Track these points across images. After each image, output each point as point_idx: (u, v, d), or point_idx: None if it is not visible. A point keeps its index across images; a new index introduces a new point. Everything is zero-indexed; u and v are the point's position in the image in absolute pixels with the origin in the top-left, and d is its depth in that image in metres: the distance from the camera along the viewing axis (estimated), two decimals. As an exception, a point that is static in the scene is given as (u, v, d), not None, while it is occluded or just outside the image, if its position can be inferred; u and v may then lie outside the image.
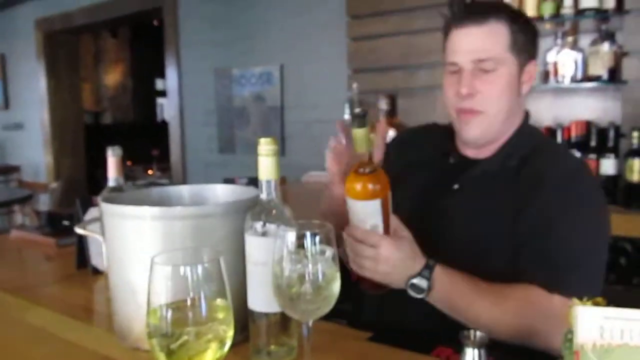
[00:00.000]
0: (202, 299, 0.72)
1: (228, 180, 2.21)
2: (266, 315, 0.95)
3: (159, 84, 8.72)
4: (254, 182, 2.28)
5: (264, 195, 0.94)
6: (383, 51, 3.08)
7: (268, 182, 0.94)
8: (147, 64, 8.16)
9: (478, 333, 0.85)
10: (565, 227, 1.11)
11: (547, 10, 2.63)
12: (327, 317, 1.21)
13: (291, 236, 0.82)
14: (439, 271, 1.06)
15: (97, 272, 1.48)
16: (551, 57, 2.75)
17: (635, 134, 2.36)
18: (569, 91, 2.75)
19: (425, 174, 1.33)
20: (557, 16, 2.63)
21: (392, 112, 3.02)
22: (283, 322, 0.96)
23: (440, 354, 0.99)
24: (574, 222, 1.11)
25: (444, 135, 1.36)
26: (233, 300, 1.01)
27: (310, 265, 0.82)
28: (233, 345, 1.01)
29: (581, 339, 0.60)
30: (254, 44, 4.06)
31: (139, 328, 1.00)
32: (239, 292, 1.01)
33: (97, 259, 1.47)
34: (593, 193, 1.17)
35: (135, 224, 0.98)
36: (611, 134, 2.48)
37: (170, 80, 4.67)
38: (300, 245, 0.82)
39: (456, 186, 1.26)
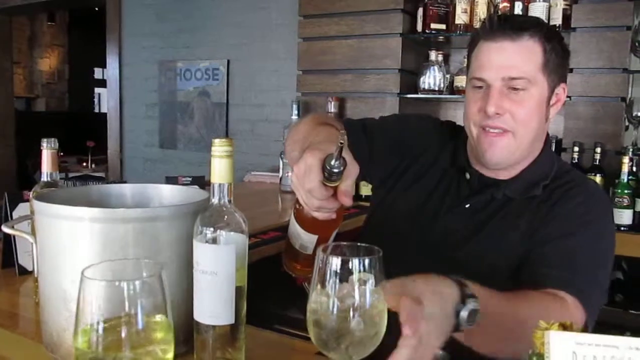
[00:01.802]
0: (139, 316, 0.65)
1: (170, 179, 2.11)
2: (213, 327, 0.89)
3: (98, 73, 8.41)
4: (197, 181, 2.19)
5: (215, 200, 0.88)
6: (334, 53, 3.04)
7: (221, 185, 0.88)
8: (85, 51, 7.84)
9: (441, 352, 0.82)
10: (583, 240, 1.10)
11: (497, 22, 2.67)
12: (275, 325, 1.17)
13: (336, 262, 0.69)
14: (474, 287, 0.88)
15: (24, 272, 1.37)
16: (498, 68, 2.79)
17: (575, 148, 2.43)
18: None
19: (436, 182, 1.26)
20: (506, 29, 2.68)
21: (340, 116, 2.99)
22: (230, 335, 0.90)
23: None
24: (591, 238, 1.11)
25: (461, 146, 1.27)
26: (177, 310, 0.94)
27: (358, 298, 0.69)
28: (176, 357, 0.96)
29: (554, 366, 0.58)
30: (201, 37, 3.95)
31: (71, 340, 0.91)
32: (184, 302, 0.94)
33: (25, 258, 1.36)
34: (609, 215, 1.17)
35: (72, 226, 0.89)
36: (553, 147, 2.54)
37: (110, 70, 4.48)
38: (345, 271, 0.69)
39: (468, 205, 1.20)
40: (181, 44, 4.05)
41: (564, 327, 0.63)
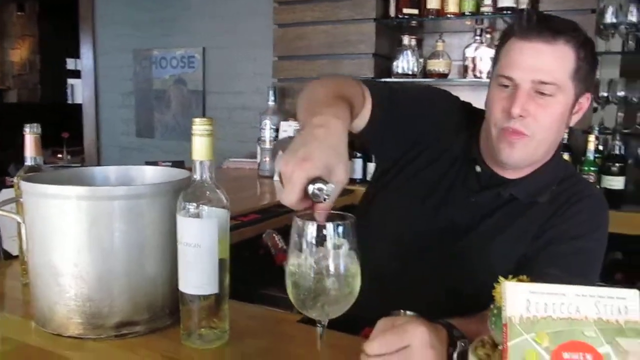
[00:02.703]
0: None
1: (150, 164, 2.14)
2: (198, 297, 0.94)
3: (70, 64, 8.30)
4: (177, 166, 2.23)
5: (197, 176, 0.93)
6: (309, 39, 3.08)
7: (202, 162, 0.93)
8: (57, 41, 7.73)
9: (408, 312, 0.88)
10: (591, 244, 1.13)
11: (468, 7, 2.73)
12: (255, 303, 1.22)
13: (312, 228, 0.74)
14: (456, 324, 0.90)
15: (9, 257, 1.40)
16: (470, 52, 2.86)
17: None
18: (486, 86, 2.87)
19: (445, 170, 1.23)
20: (477, 13, 2.74)
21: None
22: (215, 305, 0.95)
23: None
24: (596, 242, 1.14)
25: (475, 136, 1.24)
26: (163, 283, 1.00)
27: (333, 259, 0.74)
28: (163, 329, 1.01)
29: (509, 312, 0.64)
30: (176, 25, 3.94)
31: (62, 312, 0.96)
32: (169, 275, 0.99)
33: (9, 243, 1.39)
34: (607, 219, 1.19)
35: (60, 204, 0.93)
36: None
37: (85, 59, 4.45)
38: (320, 237, 0.74)
39: (474, 199, 1.19)
40: (156, 32, 4.04)
41: (520, 280, 0.70)
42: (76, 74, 5.13)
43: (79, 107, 4.64)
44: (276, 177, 2.76)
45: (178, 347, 0.95)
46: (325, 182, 0.78)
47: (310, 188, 0.77)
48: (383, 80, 1.16)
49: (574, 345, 0.63)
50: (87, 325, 0.95)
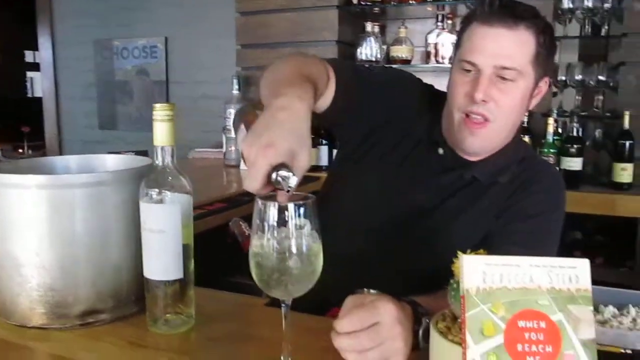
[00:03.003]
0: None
1: (113, 154, 2.10)
2: (163, 283, 0.94)
3: (29, 56, 8.09)
4: (141, 155, 2.20)
5: (159, 162, 0.92)
6: (272, 27, 3.07)
7: (163, 148, 0.92)
8: (14, 34, 7.52)
9: (372, 291, 0.90)
10: (550, 221, 1.17)
11: (429, -7, 2.76)
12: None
13: (274, 209, 0.75)
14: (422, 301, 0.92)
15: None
16: (432, 38, 2.90)
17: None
18: (448, 71, 2.91)
19: (408, 153, 1.24)
20: (438, 0, 2.77)
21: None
22: (180, 290, 0.95)
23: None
24: (555, 219, 1.18)
25: (438, 119, 1.25)
26: (128, 271, 1.00)
27: (295, 239, 0.75)
28: (129, 316, 1.00)
29: (467, 285, 0.66)
30: (136, 15, 3.88)
31: (25, 303, 0.95)
32: (134, 262, 0.99)
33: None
34: (564, 197, 1.23)
35: (19, 194, 0.91)
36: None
37: (43, 51, 4.35)
38: (281, 218, 0.75)
39: (437, 181, 1.21)
40: (116, 22, 3.97)
41: (477, 254, 0.72)
42: (35, 66, 5.00)
43: (39, 100, 4.53)
44: (242, 166, 2.76)
45: (144, 334, 0.95)
46: (288, 168, 0.78)
47: (274, 175, 0.77)
48: (347, 61, 1.15)
49: (528, 313, 0.65)
50: (51, 315, 0.94)
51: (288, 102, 0.85)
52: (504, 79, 1.10)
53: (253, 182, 0.78)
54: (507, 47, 1.09)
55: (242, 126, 0.96)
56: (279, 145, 0.78)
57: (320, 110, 1.16)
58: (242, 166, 2.76)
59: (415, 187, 1.21)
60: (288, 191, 0.77)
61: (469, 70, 1.13)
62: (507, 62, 1.09)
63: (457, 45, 1.18)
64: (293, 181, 0.77)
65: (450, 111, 1.17)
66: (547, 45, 1.12)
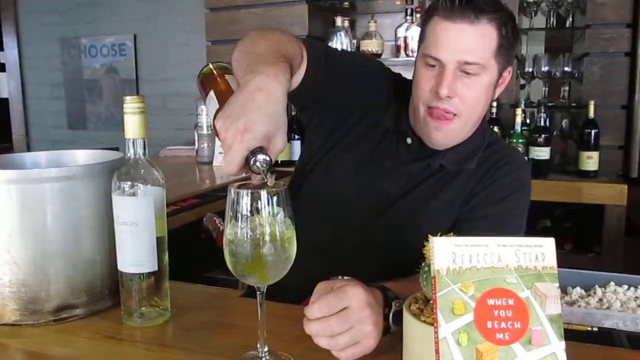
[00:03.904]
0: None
1: (83, 153, 2.08)
2: (137, 276, 0.93)
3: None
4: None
5: (130, 154, 0.92)
6: (242, 22, 3.06)
7: (135, 141, 0.92)
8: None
9: (345, 277, 0.91)
10: (516, 203, 1.19)
11: (397, -14, 2.78)
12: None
13: (247, 197, 0.76)
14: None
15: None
16: (401, 32, 2.92)
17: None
18: (417, 65, 2.94)
19: (377, 143, 1.25)
20: (406, -7, 2.80)
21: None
22: (155, 283, 0.95)
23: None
24: (522, 201, 1.21)
25: (404, 108, 1.24)
26: (101, 265, 0.99)
27: (269, 226, 0.76)
28: (104, 311, 1.00)
29: (437, 266, 0.67)
30: (103, 12, 3.83)
31: (-4, 299, 0.94)
32: (107, 256, 0.98)
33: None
34: (529, 178, 1.26)
35: (-12, 190, 0.91)
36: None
37: (8, 51, 4.26)
38: (255, 206, 0.76)
39: (406, 170, 1.22)
40: (83, 20, 3.92)
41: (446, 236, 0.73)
42: (0, 67, 4.89)
43: (5, 101, 4.44)
44: (215, 162, 2.74)
45: (120, 327, 0.95)
46: (264, 152, 0.79)
47: (251, 160, 0.78)
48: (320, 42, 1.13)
49: (497, 292, 0.67)
50: (24, 311, 0.94)
51: (265, 82, 0.85)
52: (467, 73, 1.11)
53: (230, 166, 0.79)
54: (469, 42, 1.09)
55: (212, 94, 0.95)
56: (256, 130, 0.79)
57: (290, 89, 1.16)
58: (215, 163, 2.75)
59: (385, 176, 1.23)
60: (264, 172, 0.78)
61: (432, 65, 1.13)
62: (470, 57, 1.09)
63: (421, 39, 1.18)
64: (269, 164, 0.78)
65: (416, 105, 1.17)
66: (509, 36, 1.13)
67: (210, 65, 1.07)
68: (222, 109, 0.83)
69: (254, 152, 0.78)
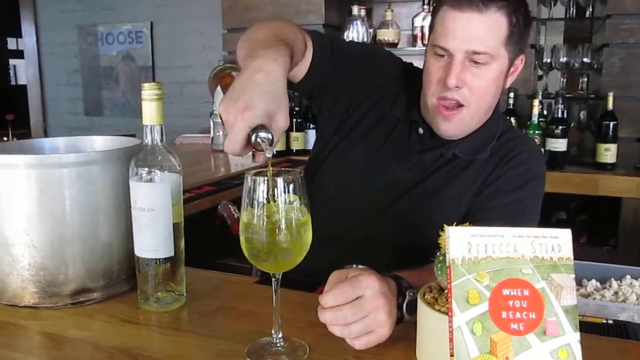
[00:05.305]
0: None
1: (100, 139, 2.10)
2: (154, 261, 0.94)
3: (12, 44, 7.96)
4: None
5: (148, 141, 0.93)
6: (258, 10, 3.05)
7: (152, 127, 0.93)
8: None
9: (360, 266, 0.92)
10: (530, 193, 1.18)
11: (415, -25, 2.76)
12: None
13: (264, 185, 0.76)
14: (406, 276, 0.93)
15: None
16: (418, 21, 2.90)
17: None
18: (434, 54, 2.92)
19: (388, 133, 1.25)
20: (423, -18, 2.78)
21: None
22: (171, 268, 0.96)
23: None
24: (536, 190, 1.20)
25: (415, 98, 1.23)
26: (118, 250, 1.00)
27: (285, 213, 0.76)
28: (121, 295, 1.02)
29: (452, 255, 0.68)
30: (120, -1, 3.85)
31: (16, 283, 0.95)
32: (124, 241, 1.00)
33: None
34: (543, 167, 1.25)
35: (8, 174, 0.91)
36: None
37: (27, 38, 4.30)
38: (270, 194, 0.76)
39: (418, 160, 1.22)
40: (100, 7, 3.93)
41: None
42: (18, 54, 4.91)
43: (23, 88, 4.49)
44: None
45: (136, 311, 0.96)
46: (266, 129, 0.80)
47: (253, 137, 0.79)
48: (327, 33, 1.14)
49: (512, 282, 0.67)
50: (43, 294, 0.95)
51: (263, 63, 0.87)
52: (476, 63, 1.09)
53: (232, 145, 0.81)
54: (478, 31, 1.08)
55: (219, 88, 0.98)
56: (256, 107, 0.81)
57: (297, 79, 1.17)
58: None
59: (397, 166, 1.22)
60: (266, 149, 0.79)
61: (441, 55, 1.11)
62: (478, 46, 1.08)
63: (430, 29, 1.17)
64: (272, 142, 0.80)
65: (426, 96, 1.17)
66: (520, 24, 1.11)
67: (219, 67, 1.10)
68: (225, 94, 0.85)
69: (255, 130, 0.80)
